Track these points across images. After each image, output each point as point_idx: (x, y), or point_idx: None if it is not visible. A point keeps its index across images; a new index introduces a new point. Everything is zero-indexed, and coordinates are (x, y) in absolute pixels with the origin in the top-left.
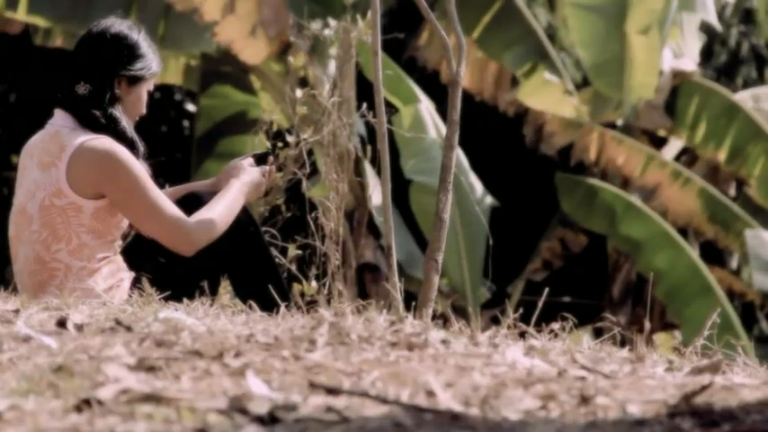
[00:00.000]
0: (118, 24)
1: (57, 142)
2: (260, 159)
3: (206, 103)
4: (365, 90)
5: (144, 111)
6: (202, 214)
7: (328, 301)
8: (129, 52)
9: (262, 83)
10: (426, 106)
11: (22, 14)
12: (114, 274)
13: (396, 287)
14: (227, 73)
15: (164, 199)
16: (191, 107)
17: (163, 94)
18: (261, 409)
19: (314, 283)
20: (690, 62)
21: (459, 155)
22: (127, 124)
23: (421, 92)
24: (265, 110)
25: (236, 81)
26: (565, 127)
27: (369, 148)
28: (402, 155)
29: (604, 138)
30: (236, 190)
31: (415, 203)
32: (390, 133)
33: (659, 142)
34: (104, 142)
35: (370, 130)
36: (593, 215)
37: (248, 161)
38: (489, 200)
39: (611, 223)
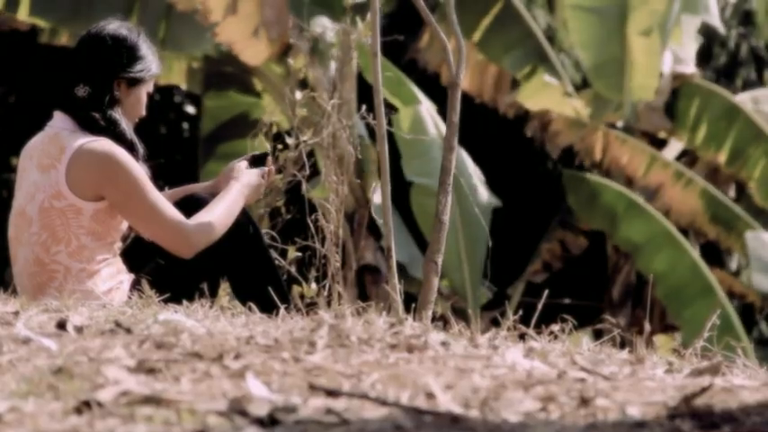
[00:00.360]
0: (117, 26)
1: (56, 144)
2: (258, 160)
3: (210, 104)
4: (366, 92)
5: (143, 112)
6: (202, 217)
7: (328, 303)
8: (128, 54)
9: (263, 84)
10: (427, 108)
11: (23, 16)
12: (114, 276)
13: (395, 289)
14: (230, 75)
15: (163, 201)
16: (190, 109)
17: (162, 96)
18: (261, 410)
19: (314, 285)
20: (690, 64)
21: (462, 156)
22: (126, 126)
23: (422, 93)
24: (266, 111)
25: (239, 83)
26: (569, 126)
27: (370, 149)
28: (403, 156)
29: (609, 137)
30: (235, 192)
31: (415, 205)
32: (392, 135)
33: (659, 144)
34: (104, 144)
35: (372, 131)
36: (596, 213)
37: (245, 163)
38: (490, 201)
39: (613, 222)
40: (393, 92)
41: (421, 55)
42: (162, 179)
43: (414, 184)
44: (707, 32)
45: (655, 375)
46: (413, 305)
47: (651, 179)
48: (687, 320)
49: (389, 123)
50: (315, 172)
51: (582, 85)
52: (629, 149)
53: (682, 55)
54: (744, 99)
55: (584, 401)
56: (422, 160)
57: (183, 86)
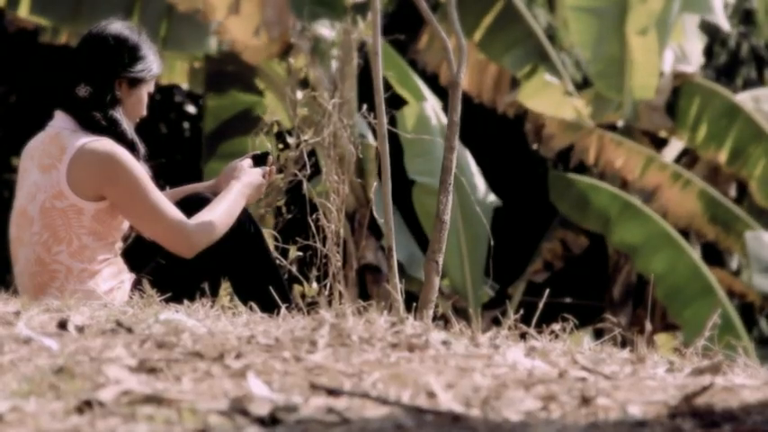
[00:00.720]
0: (118, 26)
1: (57, 144)
2: (259, 160)
3: (212, 103)
4: (368, 91)
5: (144, 112)
6: (203, 216)
7: (329, 303)
8: (129, 54)
9: (265, 84)
10: (432, 105)
11: (24, 15)
12: (115, 276)
13: (396, 288)
14: (231, 74)
15: (164, 201)
16: (191, 109)
17: (163, 96)
18: (262, 410)
19: (315, 285)
20: (693, 63)
21: (465, 155)
22: (127, 126)
23: (428, 90)
24: (268, 110)
25: (241, 82)
26: (564, 129)
27: (371, 148)
28: (406, 154)
29: (603, 140)
30: (236, 191)
31: (417, 204)
32: (394, 133)
33: (660, 143)
34: (105, 144)
35: (374, 130)
36: (589, 216)
37: (247, 162)
38: (491, 200)
39: (607, 225)
40: (403, 83)
41: (420, 56)
42: (163, 179)
43: (416, 182)
44: (707, 31)
45: (656, 375)
46: (414, 304)
47: (648, 181)
48: (688, 320)
49: (391, 122)
50: (316, 171)
51: (583, 85)
52: (625, 152)
53: (684, 54)
54: (744, 98)
55: (586, 401)
56: (425, 159)
57: (185, 86)
